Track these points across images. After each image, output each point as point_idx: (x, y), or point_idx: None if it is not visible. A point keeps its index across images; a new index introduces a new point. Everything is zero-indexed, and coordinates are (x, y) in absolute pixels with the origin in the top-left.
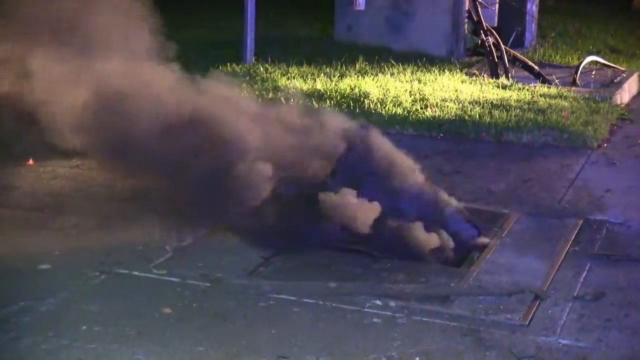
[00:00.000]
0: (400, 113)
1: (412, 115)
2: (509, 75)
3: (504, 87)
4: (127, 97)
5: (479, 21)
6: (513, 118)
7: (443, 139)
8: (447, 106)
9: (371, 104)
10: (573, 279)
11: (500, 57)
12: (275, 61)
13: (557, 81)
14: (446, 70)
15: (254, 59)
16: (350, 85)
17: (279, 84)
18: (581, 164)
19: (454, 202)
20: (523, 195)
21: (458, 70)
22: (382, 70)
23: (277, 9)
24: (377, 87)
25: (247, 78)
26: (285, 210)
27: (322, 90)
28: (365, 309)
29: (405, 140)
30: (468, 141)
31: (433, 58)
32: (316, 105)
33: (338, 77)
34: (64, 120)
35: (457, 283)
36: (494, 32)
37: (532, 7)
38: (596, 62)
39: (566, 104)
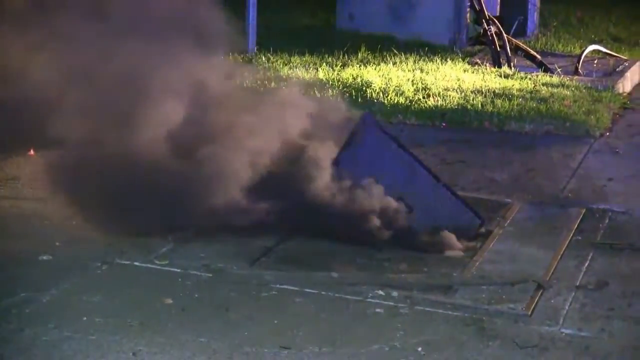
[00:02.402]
0: (403, 102)
1: (414, 105)
2: (511, 64)
3: (506, 76)
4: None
5: (481, 10)
6: (515, 107)
7: (445, 128)
8: (450, 95)
9: (373, 93)
10: (576, 268)
11: (503, 46)
12: (277, 50)
13: (559, 70)
14: (448, 60)
15: (256, 48)
16: (352, 75)
17: (281, 73)
18: (584, 153)
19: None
20: (526, 184)
21: (460, 59)
22: (385, 59)
23: None
24: (380, 76)
25: (249, 67)
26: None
27: (325, 79)
28: (368, 299)
29: (407, 130)
30: (470, 130)
31: (435, 47)
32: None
33: (340, 67)
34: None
35: (459, 273)
36: (496, 21)
37: None
38: (598, 51)
39: (568, 92)
